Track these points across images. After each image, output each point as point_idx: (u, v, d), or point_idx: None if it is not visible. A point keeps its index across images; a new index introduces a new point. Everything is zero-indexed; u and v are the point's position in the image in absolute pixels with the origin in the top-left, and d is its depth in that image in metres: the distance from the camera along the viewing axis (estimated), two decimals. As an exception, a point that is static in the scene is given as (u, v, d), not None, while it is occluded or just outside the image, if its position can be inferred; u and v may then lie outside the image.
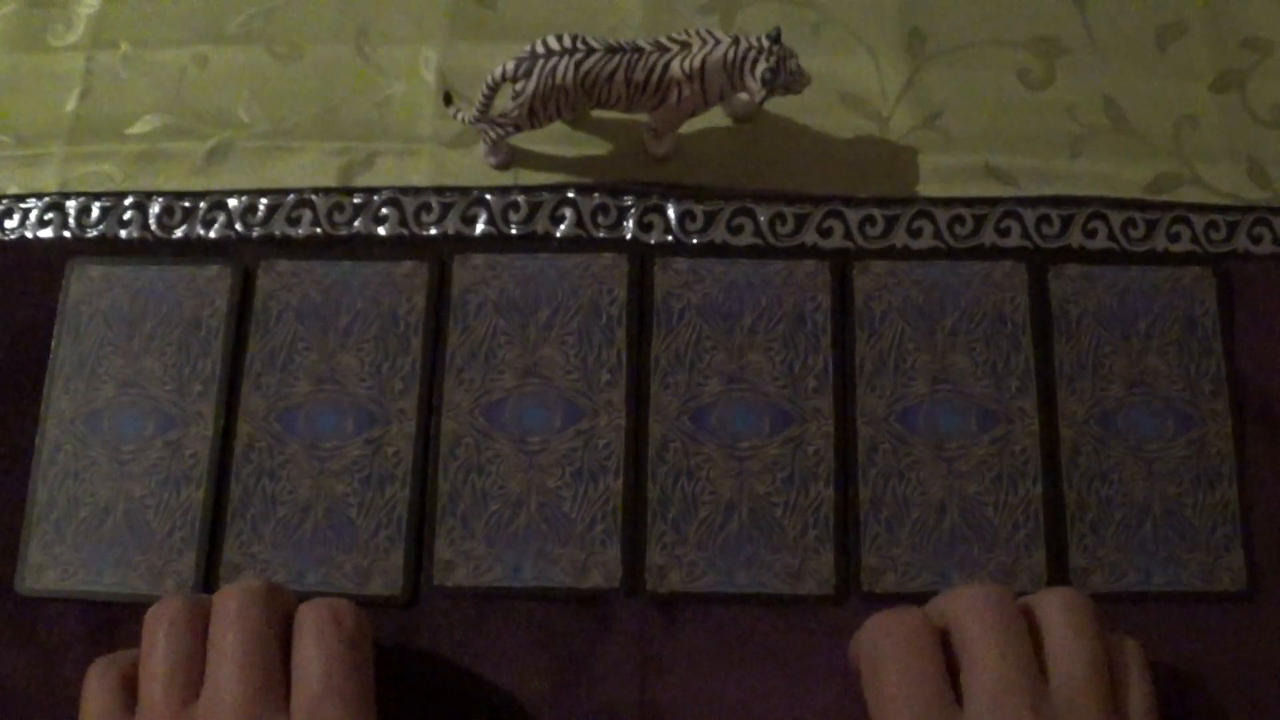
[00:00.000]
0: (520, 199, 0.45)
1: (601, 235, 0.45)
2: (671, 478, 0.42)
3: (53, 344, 0.44)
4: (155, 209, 0.46)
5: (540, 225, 0.45)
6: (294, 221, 0.46)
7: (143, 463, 0.42)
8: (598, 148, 0.47)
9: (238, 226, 0.46)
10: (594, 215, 0.45)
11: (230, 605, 0.34)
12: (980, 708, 0.32)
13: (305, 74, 0.49)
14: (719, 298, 0.44)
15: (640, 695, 0.40)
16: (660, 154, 0.46)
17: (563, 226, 0.45)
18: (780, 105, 0.46)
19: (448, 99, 0.45)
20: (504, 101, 0.43)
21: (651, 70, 0.42)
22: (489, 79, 0.43)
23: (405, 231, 0.45)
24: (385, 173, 0.47)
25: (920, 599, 0.37)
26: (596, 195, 0.45)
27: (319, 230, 0.45)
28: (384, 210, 0.46)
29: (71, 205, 0.46)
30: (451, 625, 0.41)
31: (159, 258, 0.45)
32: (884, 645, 0.34)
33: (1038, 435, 0.42)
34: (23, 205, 0.46)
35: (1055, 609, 0.34)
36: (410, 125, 0.48)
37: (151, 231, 0.46)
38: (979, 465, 0.42)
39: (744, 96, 0.43)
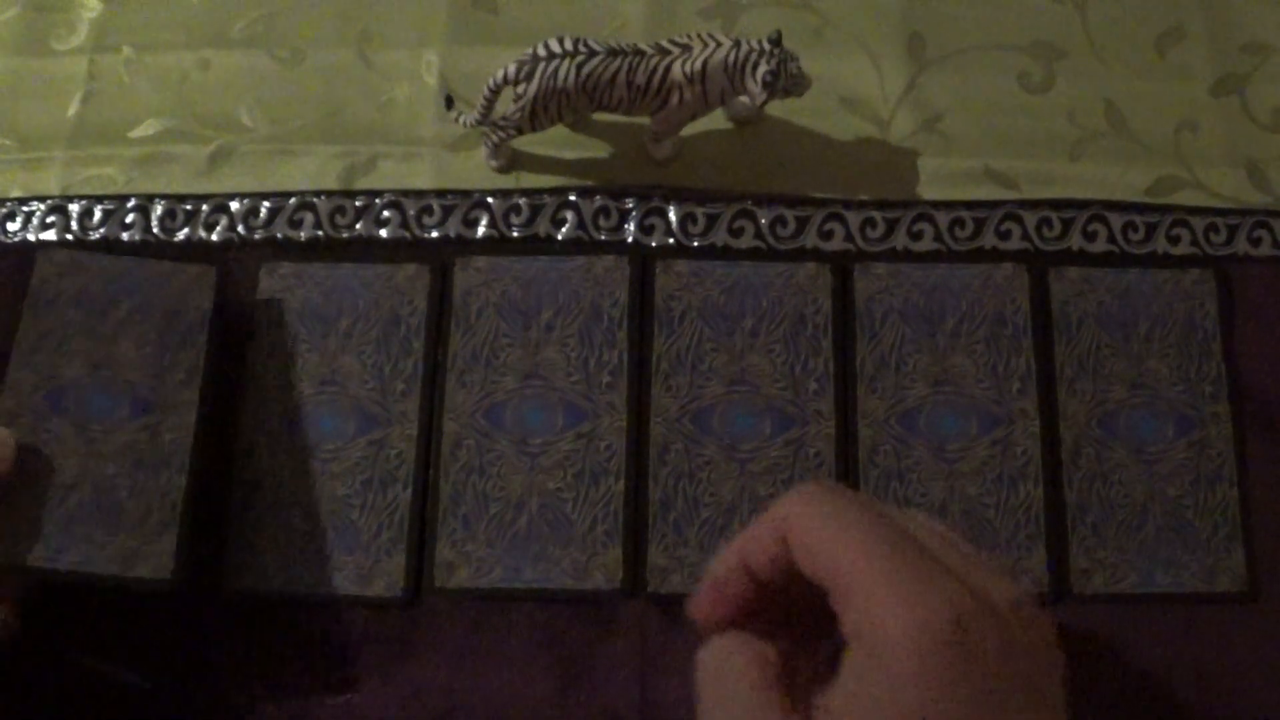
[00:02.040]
0: (522, 202, 0.46)
1: (603, 238, 0.45)
2: (673, 479, 0.42)
3: (17, 334, 0.40)
4: (157, 212, 0.46)
5: (542, 228, 0.45)
6: (296, 224, 0.46)
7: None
8: (599, 151, 0.47)
9: (240, 229, 0.46)
10: (595, 218, 0.45)
11: None
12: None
13: (307, 78, 0.49)
14: (720, 300, 0.44)
15: (641, 696, 0.40)
16: (661, 157, 0.46)
17: (564, 229, 0.45)
18: (781, 108, 0.46)
19: (449, 102, 0.45)
20: (505, 105, 0.43)
21: (653, 73, 0.42)
22: (490, 82, 0.43)
23: (407, 234, 0.45)
24: (387, 176, 0.47)
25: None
26: (598, 198, 0.46)
27: (321, 233, 0.45)
28: (386, 213, 0.46)
29: (74, 208, 0.46)
30: (453, 626, 0.41)
31: (159, 259, 0.45)
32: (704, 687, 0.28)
33: (1039, 437, 0.42)
34: (25, 208, 0.46)
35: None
36: (412, 129, 0.48)
37: (153, 234, 0.46)
38: (980, 467, 0.42)
39: (745, 99, 0.43)
